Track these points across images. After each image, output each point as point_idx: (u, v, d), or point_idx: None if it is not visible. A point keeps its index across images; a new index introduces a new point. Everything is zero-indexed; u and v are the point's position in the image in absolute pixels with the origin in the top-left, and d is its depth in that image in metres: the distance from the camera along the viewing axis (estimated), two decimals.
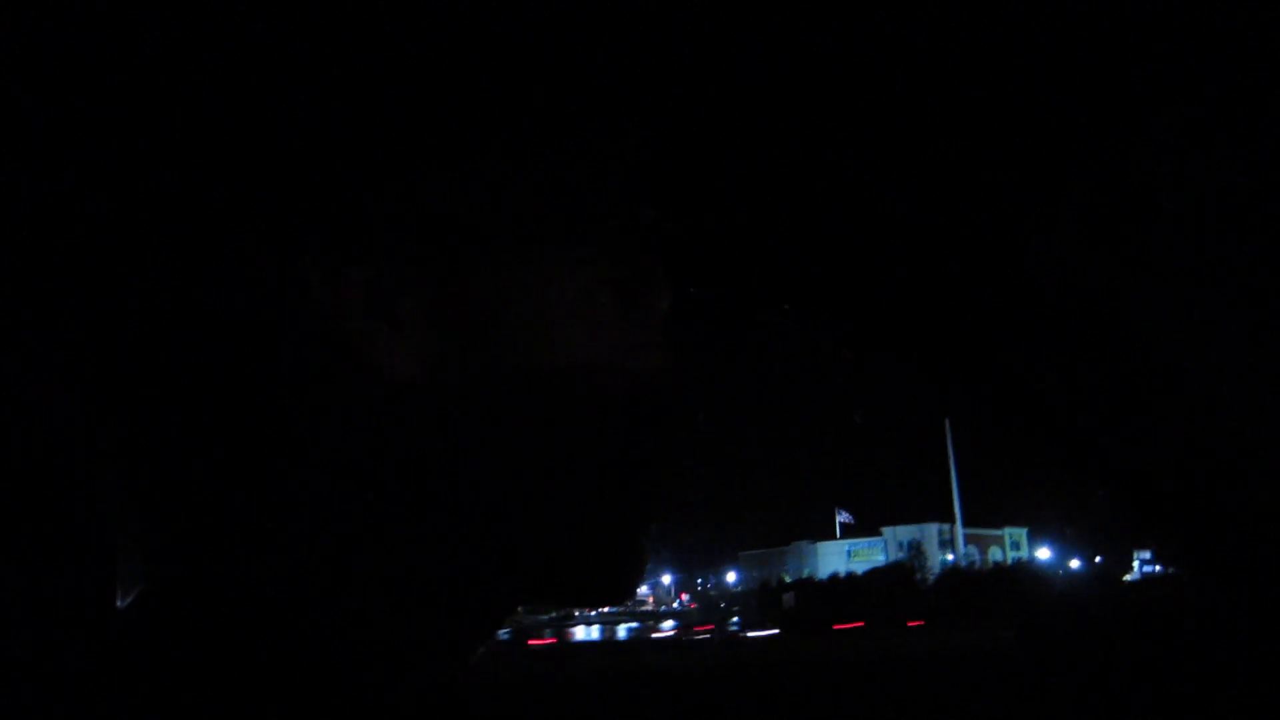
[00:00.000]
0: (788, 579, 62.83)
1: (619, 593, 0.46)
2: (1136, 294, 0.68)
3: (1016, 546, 65.85)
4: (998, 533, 66.42)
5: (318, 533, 0.41)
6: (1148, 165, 0.66)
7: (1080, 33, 0.63)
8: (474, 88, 0.43)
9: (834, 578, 55.25)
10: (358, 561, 0.42)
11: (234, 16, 0.42)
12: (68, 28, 0.43)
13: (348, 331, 0.41)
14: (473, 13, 0.44)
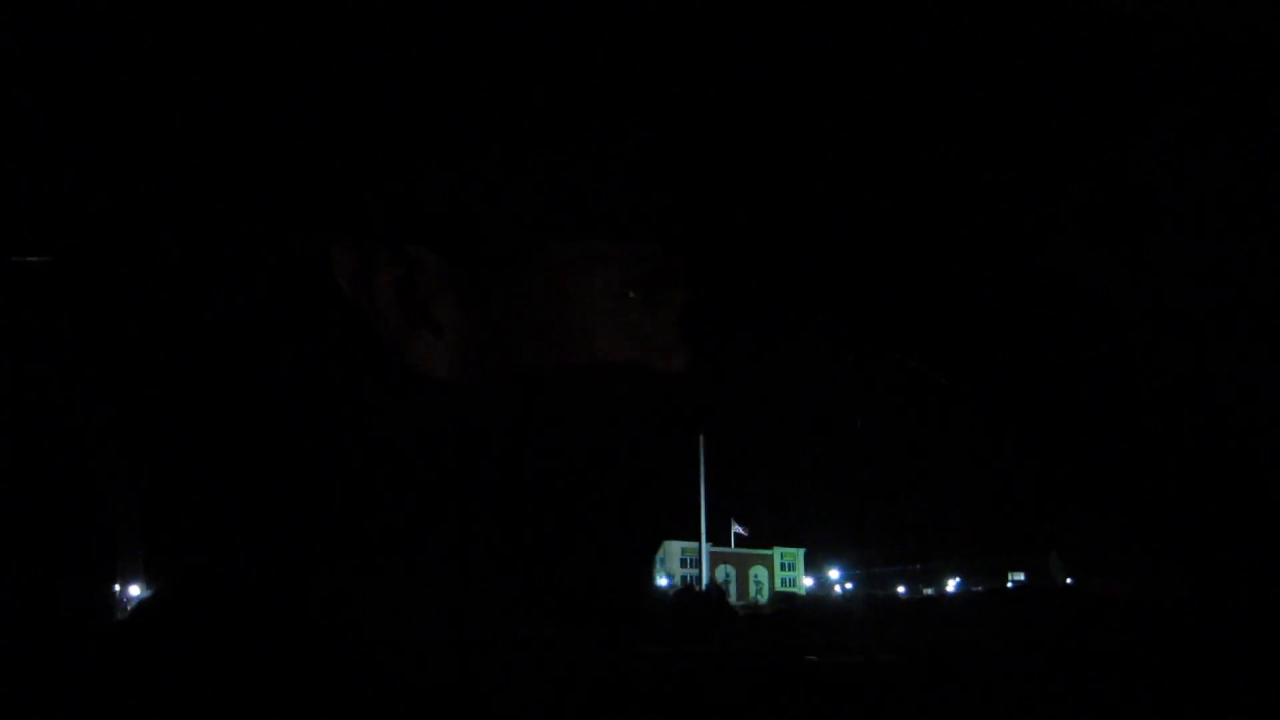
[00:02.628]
0: None
1: (623, 605, 0.46)
2: (1137, 294, 0.68)
3: (790, 567, 61.69)
4: (765, 552, 61.13)
5: (318, 532, 0.41)
6: (1148, 165, 0.66)
7: (1080, 32, 0.63)
8: (476, 87, 0.43)
9: None
10: (359, 562, 0.42)
11: (239, 17, 0.42)
12: (68, 28, 0.43)
13: (362, 332, 0.41)
14: (475, 13, 0.44)
